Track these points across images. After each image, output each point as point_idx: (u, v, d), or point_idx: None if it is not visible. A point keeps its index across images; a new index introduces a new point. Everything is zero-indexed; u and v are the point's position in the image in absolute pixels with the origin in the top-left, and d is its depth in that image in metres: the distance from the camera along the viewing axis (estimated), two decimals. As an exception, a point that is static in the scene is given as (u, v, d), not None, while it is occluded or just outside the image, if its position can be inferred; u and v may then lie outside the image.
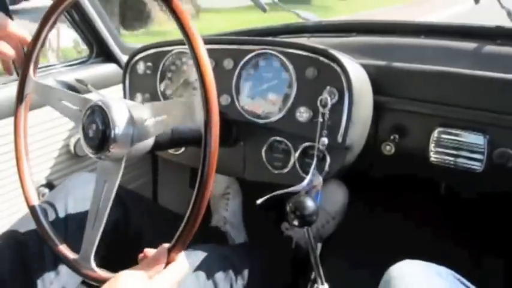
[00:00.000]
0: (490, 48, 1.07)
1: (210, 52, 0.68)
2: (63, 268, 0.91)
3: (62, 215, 0.96)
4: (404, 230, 1.38)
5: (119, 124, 0.73)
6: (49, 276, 0.91)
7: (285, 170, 1.05)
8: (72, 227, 0.94)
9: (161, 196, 1.62)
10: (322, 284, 0.87)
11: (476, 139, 0.95)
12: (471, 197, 1.41)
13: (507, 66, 0.99)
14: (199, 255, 0.98)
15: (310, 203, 0.83)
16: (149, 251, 0.71)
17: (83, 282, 0.97)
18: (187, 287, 0.91)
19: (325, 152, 0.98)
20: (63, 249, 0.81)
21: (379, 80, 1.03)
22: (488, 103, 0.95)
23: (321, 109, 0.94)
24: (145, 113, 0.75)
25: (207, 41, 0.72)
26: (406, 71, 1.02)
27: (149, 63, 1.19)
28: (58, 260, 0.88)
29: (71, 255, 0.80)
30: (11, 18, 0.90)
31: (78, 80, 1.28)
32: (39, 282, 0.90)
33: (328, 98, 0.93)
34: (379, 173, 1.29)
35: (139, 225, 1.08)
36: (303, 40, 1.27)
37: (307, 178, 0.93)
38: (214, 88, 0.64)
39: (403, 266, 0.78)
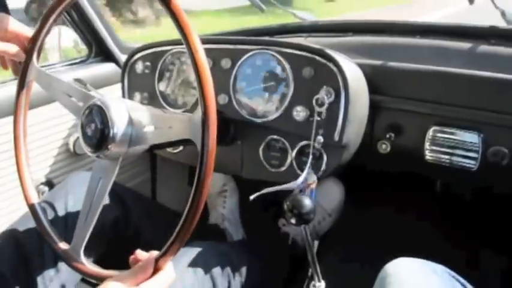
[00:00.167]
0: (484, 48, 1.08)
1: (208, 52, 0.69)
2: (63, 266, 0.92)
3: (61, 213, 0.97)
4: (400, 228, 1.38)
5: (118, 124, 0.74)
6: (49, 273, 0.92)
7: (282, 169, 1.06)
8: (71, 225, 0.94)
9: (160, 194, 1.63)
10: (319, 281, 0.88)
11: (471, 137, 0.96)
12: (466, 195, 1.42)
13: (501, 65, 1.00)
14: (198, 252, 0.99)
15: (307, 202, 0.84)
16: (140, 254, 0.72)
17: (83, 280, 0.98)
18: (185, 284, 0.92)
19: (321, 151, 0.99)
20: (62, 246, 0.82)
21: (375, 79, 1.03)
22: (483, 102, 0.96)
23: (317, 108, 0.95)
24: (145, 117, 0.76)
25: (205, 41, 0.73)
26: (402, 70, 1.03)
27: (148, 63, 1.20)
28: (58, 257, 0.89)
29: (62, 246, 0.81)
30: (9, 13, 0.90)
31: (77, 80, 1.28)
32: (39, 279, 0.90)
33: (325, 97, 0.94)
34: (375, 171, 1.30)
35: (139, 224, 1.08)
36: (300, 40, 1.28)
37: (302, 176, 0.94)
38: (212, 87, 0.65)
39: (398, 263, 0.78)
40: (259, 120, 1.05)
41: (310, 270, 0.90)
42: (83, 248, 0.78)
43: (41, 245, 0.91)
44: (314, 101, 0.95)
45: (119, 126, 0.74)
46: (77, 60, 1.42)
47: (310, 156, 0.98)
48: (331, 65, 0.96)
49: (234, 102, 1.07)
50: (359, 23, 1.35)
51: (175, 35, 0.67)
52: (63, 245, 0.81)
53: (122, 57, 1.41)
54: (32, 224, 0.88)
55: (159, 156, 1.51)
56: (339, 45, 1.14)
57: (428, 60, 1.04)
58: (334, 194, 1.40)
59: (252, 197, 0.89)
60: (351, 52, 1.11)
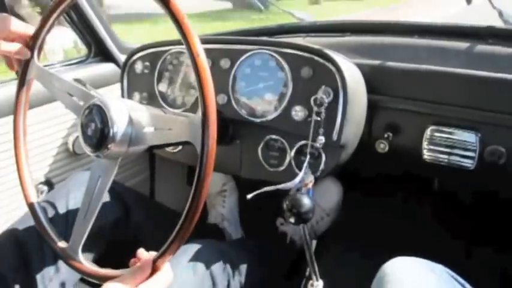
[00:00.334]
0: (482, 47, 1.09)
1: (207, 52, 0.69)
2: (62, 265, 0.92)
3: (62, 212, 0.97)
4: (398, 227, 1.39)
5: (118, 123, 0.74)
6: (49, 273, 0.92)
7: (281, 168, 1.06)
8: (72, 224, 0.95)
9: (158, 193, 1.63)
10: (317, 280, 0.89)
11: (469, 137, 0.97)
12: (464, 194, 1.43)
13: (499, 65, 1.00)
14: (197, 251, 0.99)
15: (306, 201, 0.85)
16: (141, 254, 0.73)
17: (82, 279, 0.99)
18: (185, 282, 0.92)
19: (320, 150, 0.99)
20: (61, 244, 0.82)
21: (373, 79, 1.04)
22: (480, 102, 0.96)
23: (316, 108, 0.95)
24: (145, 117, 0.76)
25: (204, 41, 0.73)
26: (400, 70, 1.03)
27: (147, 63, 1.20)
28: (58, 257, 0.90)
29: (61, 244, 0.82)
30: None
31: (76, 80, 1.28)
32: (39, 278, 0.91)
33: (323, 97, 0.94)
34: (373, 170, 1.30)
35: (139, 224, 1.09)
36: (299, 40, 1.28)
37: (299, 176, 0.94)
38: (211, 87, 0.65)
39: (397, 262, 0.79)
40: (258, 120, 1.05)
41: (308, 269, 0.90)
42: (81, 247, 0.78)
43: (40, 244, 0.91)
44: (312, 101, 0.95)
45: (119, 126, 0.74)
46: (76, 60, 1.43)
47: (308, 156, 0.98)
48: (329, 65, 0.97)
49: (233, 102, 1.07)
50: (357, 23, 1.35)
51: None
52: (61, 244, 0.82)
53: (121, 57, 1.41)
54: (31, 223, 0.88)
55: (158, 156, 1.52)
56: (337, 45, 1.14)
57: (426, 60, 1.04)
58: (332, 193, 1.40)
59: (249, 196, 0.89)
60: (349, 52, 1.11)
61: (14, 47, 0.86)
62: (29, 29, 0.87)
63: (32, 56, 0.88)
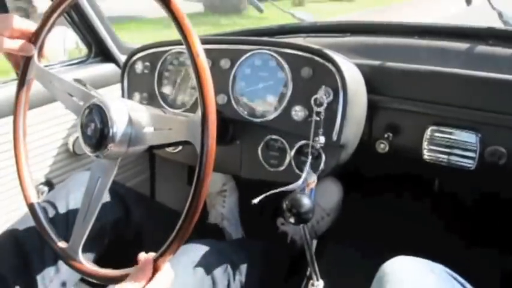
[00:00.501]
0: (482, 48, 1.09)
1: (207, 52, 0.69)
2: (63, 265, 0.92)
3: (63, 213, 0.97)
4: (398, 227, 1.39)
5: (118, 124, 0.74)
6: (49, 273, 0.92)
7: (281, 168, 1.06)
8: (72, 224, 0.95)
9: (158, 193, 1.63)
10: (318, 280, 0.89)
11: (469, 137, 0.97)
12: (464, 194, 1.43)
13: (499, 66, 1.01)
14: (197, 251, 0.99)
15: (306, 201, 0.84)
16: (141, 256, 0.73)
17: (82, 280, 0.99)
18: (185, 283, 0.92)
19: (320, 150, 0.99)
20: (61, 244, 0.82)
21: (373, 79, 1.04)
22: (480, 102, 0.96)
23: (316, 108, 0.95)
24: (145, 117, 0.76)
25: (204, 41, 0.73)
26: (400, 70, 1.04)
27: (147, 63, 1.20)
28: (58, 257, 0.90)
29: (61, 244, 0.82)
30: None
31: (76, 80, 1.28)
32: (39, 279, 0.91)
33: (323, 97, 0.94)
34: (373, 170, 1.30)
35: (139, 224, 1.09)
36: (299, 40, 1.28)
37: (302, 177, 0.94)
38: (211, 87, 0.65)
39: (396, 262, 0.79)
40: (258, 120, 1.05)
41: (308, 269, 0.90)
42: (81, 247, 0.78)
43: (41, 244, 0.91)
44: (312, 101, 0.95)
45: (118, 126, 0.74)
46: (76, 61, 1.42)
47: (310, 156, 0.98)
48: (329, 65, 0.97)
49: (233, 102, 1.07)
50: (357, 23, 1.36)
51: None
52: (62, 244, 0.82)
53: (122, 58, 1.41)
54: (31, 223, 0.88)
55: (158, 156, 1.52)
56: (337, 46, 1.14)
57: (426, 61, 1.05)
58: (332, 193, 1.41)
59: (255, 201, 0.89)
60: (350, 52, 1.11)
61: (18, 43, 0.85)
62: (31, 26, 0.87)
63: (32, 57, 0.88)
